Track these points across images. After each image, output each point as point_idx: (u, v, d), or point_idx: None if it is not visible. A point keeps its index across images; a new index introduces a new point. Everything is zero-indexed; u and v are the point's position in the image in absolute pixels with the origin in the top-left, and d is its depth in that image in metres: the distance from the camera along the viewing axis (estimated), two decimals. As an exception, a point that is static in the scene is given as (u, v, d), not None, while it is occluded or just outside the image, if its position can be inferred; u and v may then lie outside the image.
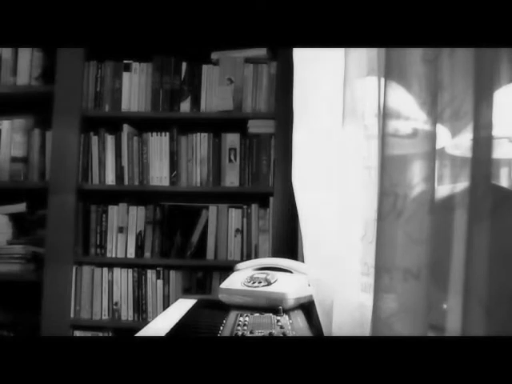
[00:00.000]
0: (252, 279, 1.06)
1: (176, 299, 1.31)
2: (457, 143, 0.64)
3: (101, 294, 2.00)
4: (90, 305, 1.99)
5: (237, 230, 1.99)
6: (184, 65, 2.02)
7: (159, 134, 2.02)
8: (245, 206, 2.00)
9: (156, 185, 2.01)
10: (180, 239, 2.01)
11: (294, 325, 0.90)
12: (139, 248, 2.01)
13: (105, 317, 1.99)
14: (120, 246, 2.01)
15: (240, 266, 1.22)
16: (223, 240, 1.99)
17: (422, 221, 0.57)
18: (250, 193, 1.99)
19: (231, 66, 2.01)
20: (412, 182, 0.58)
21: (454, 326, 0.57)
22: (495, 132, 0.52)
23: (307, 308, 1.04)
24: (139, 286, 2.00)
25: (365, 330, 0.70)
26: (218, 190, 2.00)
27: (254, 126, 1.99)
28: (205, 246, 2.00)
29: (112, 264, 2.01)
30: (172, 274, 1.99)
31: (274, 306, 0.99)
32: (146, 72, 2.04)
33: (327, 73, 0.87)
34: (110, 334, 1.98)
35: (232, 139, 2.00)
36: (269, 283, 1.04)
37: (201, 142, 2.00)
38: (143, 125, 2.05)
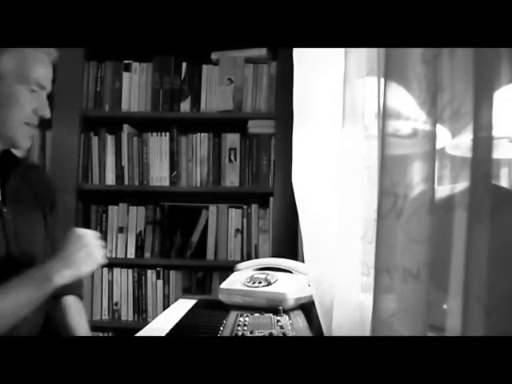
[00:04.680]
0: (252, 279, 1.06)
1: (176, 299, 1.32)
2: (457, 143, 0.64)
3: (101, 294, 2.00)
4: (89, 305, 1.99)
5: (237, 230, 1.99)
6: (184, 65, 2.02)
7: (159, 134, 2.02)
8: (245, 206, 1.99)
9: (156, 185, 2.00)
10: (180, 239, 2.01)
11: (294, 325, 0.90)
12: (139, 248, 2.01)
13: (105, 317, 1.99)
14: (120, 246, 2.01)
15: (240, 266, 1.23)
16: (223, 240, 1.99)
17: (422, 221, 0.57)
18: (249, 193, 1.99)
19: (231, 66, 2.01)
20: (412, 182, 0.58)
21: (453, 326, 0.57)
22: (495, 132, 0.51)
23: (307, 308, 1.04)
24: (139, 286, 2.00)
25: (365, 330, 0.70)
26: (217, 189, 2.00)
27: (254, 126, 1.99)
28: (205, 246, 2.00)
29: (112, 264, 2.00)
30: (172, 274, 1.99)
31: (274, 306, 0.99)
32: (146, 72, 2.04)
33: (327, 73, 0.87)
34: (110, 334, 1.98)
35: (232, 139, 2.00)
36: (269, 283, 1.04)
37: (201, 142, 2.00)
38: (143, 125, 2.05)
